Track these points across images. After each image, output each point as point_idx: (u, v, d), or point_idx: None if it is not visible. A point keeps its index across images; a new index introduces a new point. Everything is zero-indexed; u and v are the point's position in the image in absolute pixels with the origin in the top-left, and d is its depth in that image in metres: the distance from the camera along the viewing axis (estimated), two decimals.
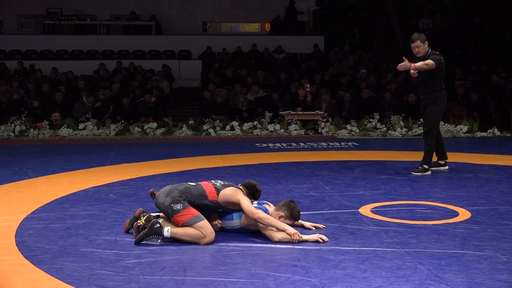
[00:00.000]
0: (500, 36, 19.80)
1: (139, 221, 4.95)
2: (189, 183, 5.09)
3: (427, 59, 7.66)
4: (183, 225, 4.82)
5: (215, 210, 5.07)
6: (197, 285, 3.87)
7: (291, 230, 4.79)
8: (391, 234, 4.99)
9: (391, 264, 4.23)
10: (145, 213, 5.05)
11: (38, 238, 4.94)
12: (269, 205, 5.11)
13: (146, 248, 4.67)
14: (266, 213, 4.90)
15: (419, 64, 7.57)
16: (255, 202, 5.10)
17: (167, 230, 4.79)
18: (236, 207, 4.97)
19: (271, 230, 4.83)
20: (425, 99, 7.88)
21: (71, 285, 3.88)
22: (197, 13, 21.56)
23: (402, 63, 7.53)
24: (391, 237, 4.92)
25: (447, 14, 20.86)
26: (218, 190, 4.97)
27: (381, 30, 20.82)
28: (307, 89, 13.98)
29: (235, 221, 5.02)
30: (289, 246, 4.67)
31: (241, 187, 5.11)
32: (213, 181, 5.11)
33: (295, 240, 4.73)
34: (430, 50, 7.76)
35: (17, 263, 4.33)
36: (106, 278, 3.99)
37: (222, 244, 4.76)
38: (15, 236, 5.00)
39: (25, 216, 5.66)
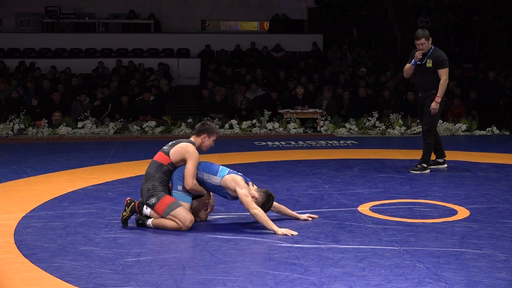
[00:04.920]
0: (499, 35, 19.82)
1: (124, 213, 5.22)
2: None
3: (430, 55, 7.72)
4: (162, 215, 5.12)
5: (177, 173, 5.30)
6: (196, 283, 3.87)
7: (280, 232, 4.94)
8: (390, 233, 5.00)
9: (390, 263, 4.23)
10: (129, 202, 5.27)
11: (37, 237, 4.94)
12: (252, 184, 5.27)
13: (145, 246, 4.68)
14: (247, 184, 5.14)
15: (440, 92, 7.66)
16: (240, 173, 5.30)
17: (149, 224, 5.15)
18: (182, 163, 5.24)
19: (250, 200, 5.02)
20: (424, 97, 7.85)
21: (70, 283, 3.88)
22: (196, 12, 21.54)
23: (433, 107, 7.65)
24: (390, 235, 4.92)
25: (446, 12, 20.88)
26: (165, 152, 5.29)
27: (380, 29, 20.83)
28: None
29: (217, 178, 5.21)
30: (288, 245, 4.67)
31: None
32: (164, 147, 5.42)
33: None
34: (433, 46, 7.79)
35: (16, 262, 4.33)
36: (105, 277, 3.99)
37: (221, 242, 4.77)
38: (14, 235, 5.00)
39: (24, 215, 5.66)
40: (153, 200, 5.15)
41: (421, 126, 8.17)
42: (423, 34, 7.71)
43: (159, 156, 5.33)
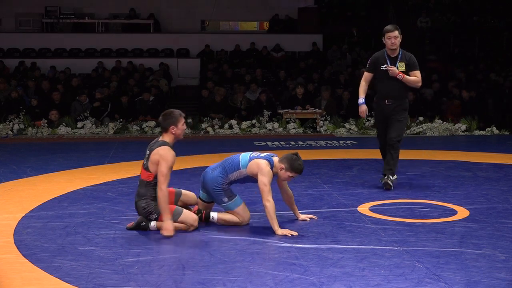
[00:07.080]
0: (498, 35, 19.83)
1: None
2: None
3: (402, 58, 7.02)
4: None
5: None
6: (195, 283, 3.87)
7: (280, 233, 4.96)
8: (390, 233, 5.00)
9: (390, 263, 4.24)
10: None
11: (36, 237, 4.94)
12: (276, 157, 5.24)
13: (144, 246, 4.68)
14: (271, 164, 5.11)
15: (409, 78, 6.92)
16: (265, 153, 5.27)
17: (153, 226, 5.12)
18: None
19: (267, 190, 5.01)
20: (394, 104, 7.01)
21: (69, 283, 3.88)
22: (196, 12, 21.53)
23: (392, 68, 6.93)
24: (390, 235, 4.93)
25: (446, 12, 20.89)
26: (146, 168, 5.18)
27: (380, 29, 20.82)
28: None
29: (243, 170, 5.19)
30: (288, 245, 4.68)
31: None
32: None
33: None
34: (401, 50, 7.09)
35: (15, 262, 4.33)
36: (105, 277, 4.00)
37: (221, 242, 4.77)
38: (14, 235, 5.01)
39: (23, 215, 5.67)
40: (154, 216, 5.10)
41: (388, 135, 6.98)
42: (396, 27, 7.04)
43: (143, 174, 5.20)
